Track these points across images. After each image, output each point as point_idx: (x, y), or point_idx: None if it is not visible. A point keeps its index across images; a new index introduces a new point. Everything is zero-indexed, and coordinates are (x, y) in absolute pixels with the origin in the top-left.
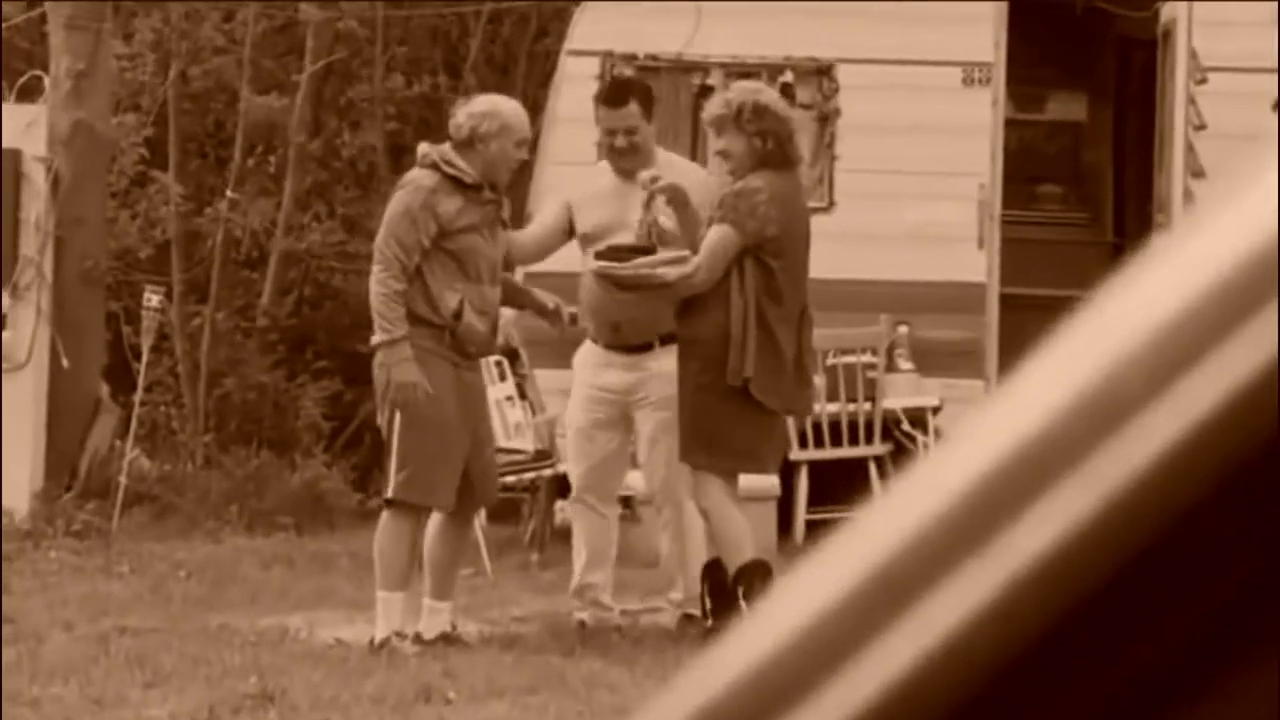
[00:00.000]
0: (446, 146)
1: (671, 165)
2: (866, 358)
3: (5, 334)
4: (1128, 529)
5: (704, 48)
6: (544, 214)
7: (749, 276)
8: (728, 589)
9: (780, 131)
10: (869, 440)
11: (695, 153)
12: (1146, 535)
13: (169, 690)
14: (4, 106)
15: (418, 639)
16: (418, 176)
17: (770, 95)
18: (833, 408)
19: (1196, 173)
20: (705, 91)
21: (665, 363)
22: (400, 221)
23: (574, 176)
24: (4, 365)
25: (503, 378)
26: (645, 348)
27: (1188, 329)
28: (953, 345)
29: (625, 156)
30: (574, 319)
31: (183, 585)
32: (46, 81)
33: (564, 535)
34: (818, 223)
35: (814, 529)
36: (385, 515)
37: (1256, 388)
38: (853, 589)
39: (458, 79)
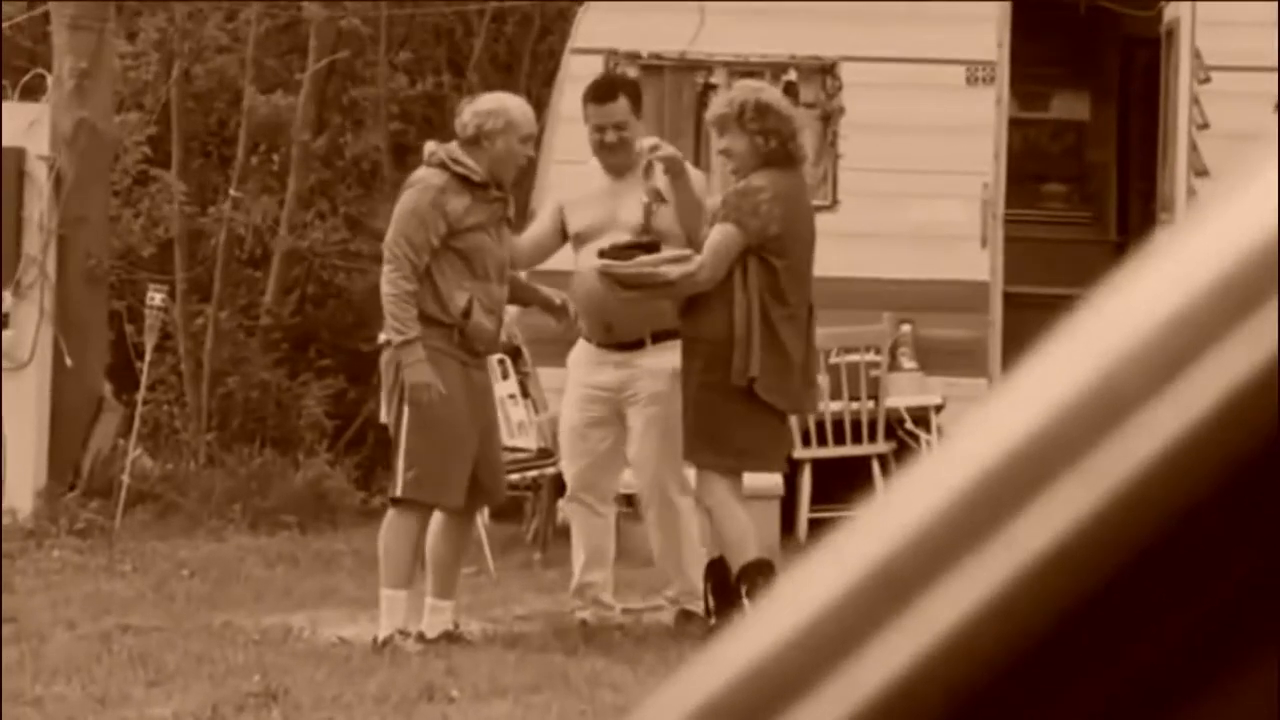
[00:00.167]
0: (453, 145)
1: None
2: (870, 356)
3: (8, 333)
4: (1128, 527)
5: (708, 46)
6: (539, 218)
7: (752, 275)
8: (731, 588)
9: (783, 130)
10: (872, 439)
11: (699, 151)
12: (1147, 533)
13: (172, 689)
14: (7, 105)
15: (420, 637)
16: (427, 175)
17: (773, 94)
18: (836, 406)
19: (1200, 172)
20: (709, 90)
21: (656, 360)
22: (410, 220)
23: (577, 175)
24: (7, 364)
25: (505, 376)
26: (637, 345)
27: (1188, 327)
28: (956, 344)
29: (615, 152)
30: (579, 315)
31: (186, 584)
32: (49, 80)
33: (567, 534)
34: (821, 221)
35: (817, 527)
36: (391, 513)
37: (1257, 385)
38: (854, 586)
39: (461, 78)
